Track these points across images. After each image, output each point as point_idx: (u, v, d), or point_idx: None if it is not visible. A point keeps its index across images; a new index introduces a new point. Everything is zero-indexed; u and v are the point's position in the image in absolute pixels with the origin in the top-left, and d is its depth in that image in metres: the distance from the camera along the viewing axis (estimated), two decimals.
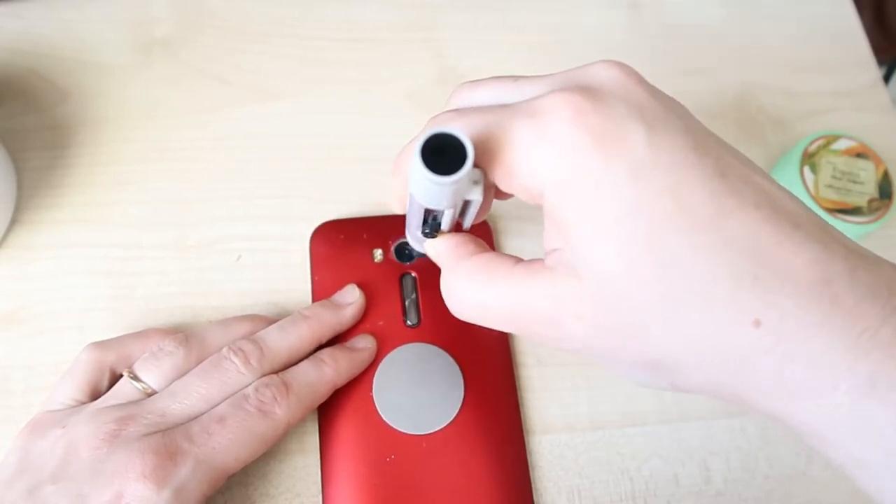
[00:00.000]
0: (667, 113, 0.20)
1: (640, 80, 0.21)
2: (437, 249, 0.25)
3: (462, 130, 0.19)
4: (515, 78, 0.23)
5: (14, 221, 0.35)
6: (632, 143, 0.19)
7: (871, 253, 0.19)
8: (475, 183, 0.22)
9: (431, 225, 0.24)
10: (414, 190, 0.21)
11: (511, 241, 0.36)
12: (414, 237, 0.27)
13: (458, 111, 0.22)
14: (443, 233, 0.25)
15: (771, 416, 0.19)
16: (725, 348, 0.18)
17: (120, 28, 0.40)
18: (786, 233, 0.18)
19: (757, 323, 0.17)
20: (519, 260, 0.22)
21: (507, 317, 0.22)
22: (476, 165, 0.21)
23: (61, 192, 0.36)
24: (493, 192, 0.26)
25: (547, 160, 0.19)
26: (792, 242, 0.18)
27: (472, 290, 0.22)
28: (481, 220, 0.27)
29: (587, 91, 0.20)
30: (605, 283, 0.19)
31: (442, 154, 0.19)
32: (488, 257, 0.23)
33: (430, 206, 0.22)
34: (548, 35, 0.42)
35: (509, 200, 0.29)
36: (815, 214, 0.19)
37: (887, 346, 0.16)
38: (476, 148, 0.21)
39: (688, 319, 0.18)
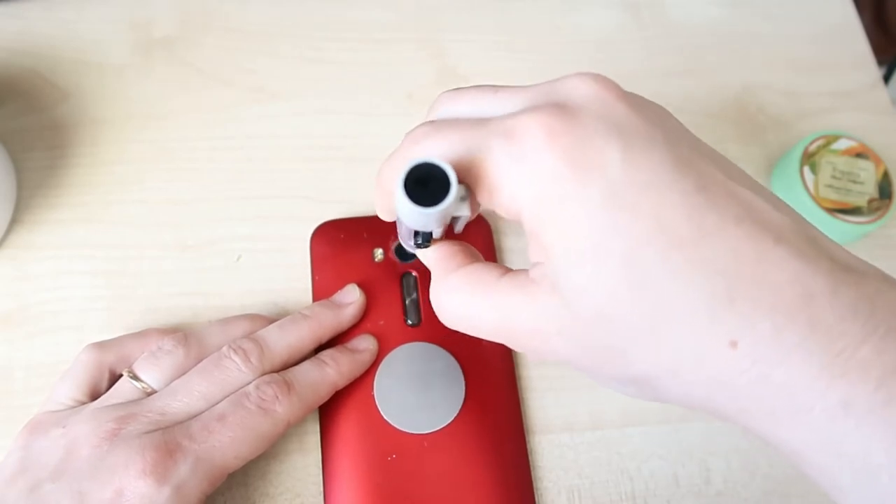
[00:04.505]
0: (647, 126, 0.19)
1: (619, 94, 0.20)
2: (427, 258, 0.25)
3: (443, 155, 0.19)
4: (496, 89, 0.22)
5: (14, 221, 0.35)
6: (607, 164, 0.18)
7: (859, 262, 0.18)
8: (462, 199, 0.22)
9: (423, 235, 0.24)
10: (400, 215, 0.21)
11: (511, 240, 0.36)
12: (406, 244, 0.27)
13: (435, 126, 0.22)
14: (435, 241, 0.25)
15: (752, 432, 0.19)
16: (703, 369, 0.18)
17: (120, 28, 0.40)
18: (767, 248, 0.17)
19: (734, 344, 0.17)
20: (506, 271, 0.22)
21: (493, 329, 0.22)
22: (460, 181, 0.21)
23: (61, 192, 0.36)
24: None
25: (522, 182, 0.19)
26: (772, 259, 0.17)
27: (458, 302, 0.23)
28: (474, 217, 0.27)
29: (561, 110, 0.19)
30: (584, 303, 0.19)
31: (426, 182, 0.19)
32: (475, 269, 0.23)
33: (418, 229, 0.22)
34: (548, 35, 0.42)
35: None
36: (803, 223, 0.19)
37: (864, 367, 0.16)
38: (456, 168, 0.21)
39: (666, 341, 0.18)
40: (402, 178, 0.19)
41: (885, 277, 0.18)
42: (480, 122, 0.21)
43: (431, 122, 0.23)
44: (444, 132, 0.21)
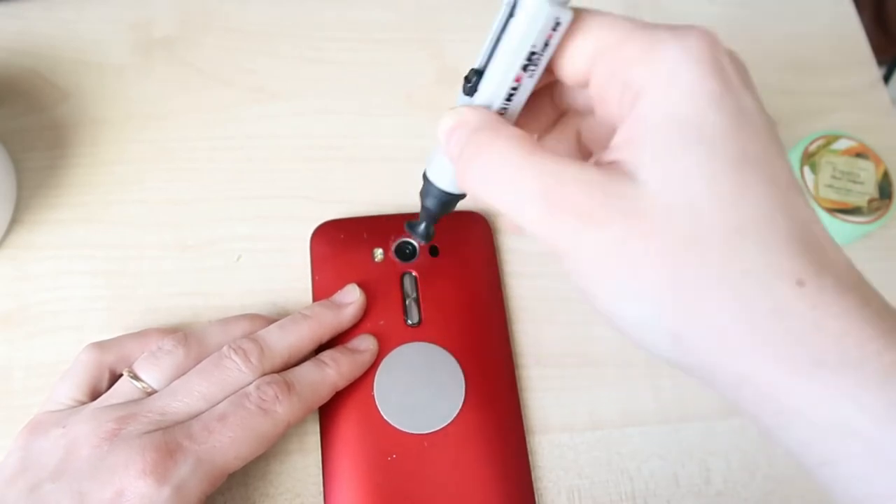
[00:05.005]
0: None
1: None
2: (468, 117, 0.22)
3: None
4: None
5: (14, 221, 0.35)
6: (745, 95, 0.20)
7: None
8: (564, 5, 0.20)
9: (476, 81, 0.22)
10: None
11: (511, 240, 0.36)
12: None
13: None
14: (484, 91, 0.22)
15: (768, 399, 0.18)
16: (764, 293, 0.18)
17: (120, 28, 0.40)
18: (829, 238, 0.19)
19: (801, 283, 0.18)
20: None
21: (541, 194, 0.19)
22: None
23: (61, 192, 0.36)
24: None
25: (673, 61, 0.19)
26: (835, 245, 0.19)
27: (513, 156, 0.20)
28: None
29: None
30: (678, 192, 0.18)
31: None
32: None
33: None
34: None
35: None
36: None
37: None
38: (595, 31, 0.20)
39: (741, 252, 0.18)
40: None
41: None
42: None
43: None
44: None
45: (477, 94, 0.22)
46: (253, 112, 0.39)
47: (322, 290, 0.33)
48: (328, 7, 0.42)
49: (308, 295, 0.34)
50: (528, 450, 0.32)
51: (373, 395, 0.31)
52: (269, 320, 0.31)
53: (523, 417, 0.32)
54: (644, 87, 0.20)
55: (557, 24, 0.20)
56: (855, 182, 0.37)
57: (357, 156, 0.38)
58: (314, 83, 0.40)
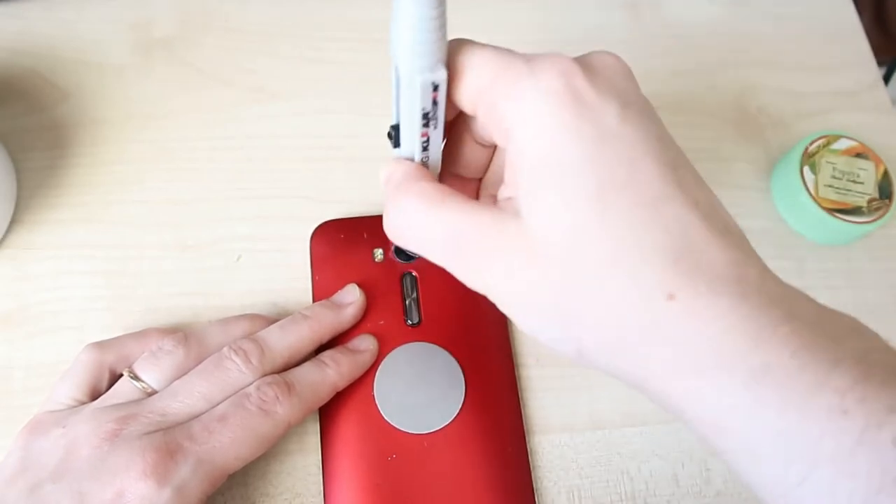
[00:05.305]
0: (644, 103, 0.21)
1: (631, 73, 0.22)
2: (395, 171, 0.24)
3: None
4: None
5: (14, 221, 0.35)
6: (606, 112, 0.20)
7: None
8: (439, 64, 0.20)
9: (395, 136, 0.23)
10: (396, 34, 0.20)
11: None
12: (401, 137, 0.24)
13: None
14: (405, 144, 0.24)
15: (665, 398, 0.20)
16: (639, 312, 0.19)
17: (120, 28, 0.40)
18: (714, 233, 0.19)
19: (671, 297, 0.18)
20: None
21: (445, 240, 0.22)
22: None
23: (61, 192, 0.36)
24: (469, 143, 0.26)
25: (528, 100, 0.20)
26: (718, 242, 0.19)
27: (421, 207, 0.22)
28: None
29: (581, 62, 0.21)
30: (548, 228, 0.20)
31: None
32: (445, 185, 0.23)
33: (407, 39, 0.20)
34: (547, 35, 0.42)
35: None
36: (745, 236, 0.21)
37: (785, 340, 0.18)
38: (475, 69, 0.21)
39: (612, 277, 0.19)
40: None
41: (807, 298, 0.20)
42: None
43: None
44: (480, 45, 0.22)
45: (402, 146, 0.24)
46: (253, 112, 0.39)
47: (322, 290, 0.33)
48: (328, 7, 0.42)
49: (308, 295, 0.34)
50: (528, 450, 0.32)
51: (373, 395, 0.31)
52: (269, 320, 0.31)
53: (523, 417, 0.32)
54: (511, 126, 0.21)
55: (436, 86, 0.21)
56: (855, 182, 0.37)
57: (357, 156, 0.38)
58: (314, 83, 0.40)
